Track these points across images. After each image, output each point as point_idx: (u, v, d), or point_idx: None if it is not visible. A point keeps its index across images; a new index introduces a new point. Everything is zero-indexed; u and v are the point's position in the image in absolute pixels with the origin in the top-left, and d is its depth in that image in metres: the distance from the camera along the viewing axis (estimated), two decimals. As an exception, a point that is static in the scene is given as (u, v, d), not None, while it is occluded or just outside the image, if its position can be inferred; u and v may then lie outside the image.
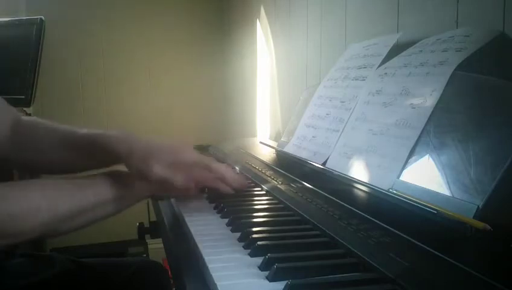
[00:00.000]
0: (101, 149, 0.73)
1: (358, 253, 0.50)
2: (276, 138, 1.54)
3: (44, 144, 0.79)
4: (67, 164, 0.80)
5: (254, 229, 0.62)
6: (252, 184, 0.89)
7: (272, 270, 0.47)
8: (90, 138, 0.76)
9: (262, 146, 1.32)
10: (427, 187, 0.60)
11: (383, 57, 0.86)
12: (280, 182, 0.84)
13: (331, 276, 0.47)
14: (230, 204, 0.74)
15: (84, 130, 0.78)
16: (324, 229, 0.59)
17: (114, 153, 0.72)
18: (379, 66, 0.85)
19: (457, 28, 0.76)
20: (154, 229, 0.95)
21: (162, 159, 0.71)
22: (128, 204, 0.72)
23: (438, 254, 0.45)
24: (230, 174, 0.80)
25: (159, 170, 0.69)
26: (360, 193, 0.72)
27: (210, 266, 0.50)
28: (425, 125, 0.65)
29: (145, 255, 2.21)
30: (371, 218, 0.58)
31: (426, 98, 0.67)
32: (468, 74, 0.64)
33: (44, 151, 0.79)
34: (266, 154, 1.18)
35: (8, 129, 0.79)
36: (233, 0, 2.34)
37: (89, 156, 0.77)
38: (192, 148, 0.80)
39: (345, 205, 0.65)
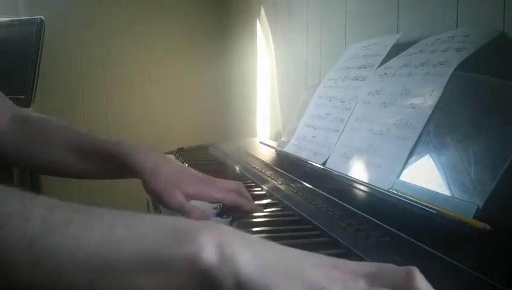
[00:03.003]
0: (122, 161, 0.69)
1: (358, 253, 0.50)
2: (276, 138, 1.54)
3: (58, 147, 0.74)
4: (80, 170, 0.75)
5: (254, 229, 0.62)
6: (252, 184, 0.89)
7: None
8: (112, 148, 0.70)
9: (262, 146, 1.32)
10: (427, 187, 0.60)
11: (383, 57, 0.86)
12: (280, 182, 0.84)
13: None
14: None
15: (103, 136, 0.73)
16: (324, 229, 0.59)
17: (135, 168, 0.67)
18: (379, 66, 0.85)
19: (457, 28, 0.76)
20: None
21: (188, 189, 0.67)
22: None
23: (438, 253, 0.45)
24: (256, 210, 0.72)
25: (180, 199, 0.65)
26: (360, 193, 0.72)
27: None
28: (425, 125, 0.65)
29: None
30: (371, 218, 0.58)
31: (426, 98, 0.67)
32: (468, 74, 0.64)
33: (57, 153, 0.74)
34: (266, 154, 1.18)
35: (7, 120, 0.75)
36: (233, 1, 2.34)
37: (107, 166, 0.72)
38: (223, 182, 0.72)
39: (345, 205, 0.65)
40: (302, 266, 0.33)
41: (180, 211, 0.66)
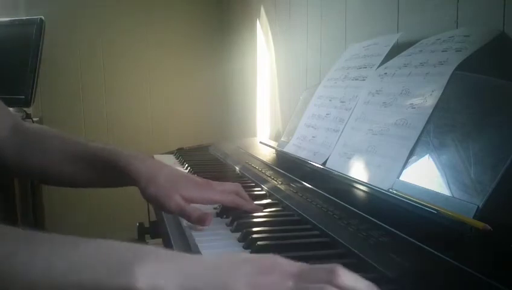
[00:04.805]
0: (119, 169, 0.70)
1: (358, 253, 0.50)
2: (276, 138, 1.54)
3: (55, 155, 0.75)
4: (77, 178, 0.76)
5: (254, 229, 0.62)
6: (252, 184, 0.89)
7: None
8: (108, 156, 0.72)
9: (262, 146, 1.32)
10: (427, 187, 0.60)
11: (383, 57, 0.86)
12: (280, 182, 0.84)
13: (331, 276, 0.47)
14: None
15: (99, 145, 0.75)
16: (324, 229, 0.59)
17: (132, 175, 0.68)
18: (379, 66, 0.85)
19: (457, 28, 0.76)
20: (154, 229, 0.95)
21: (186, 193, 0.67)
22: None
23: (438, 254, 0.45)
24: (256, 210, 0.72)
25: (180, 203, 0.66)
26: (360, 193, 0.72)
27: (210, 266, 0.50)
28: (425, 125, 0.65)
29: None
30: (371, 218, 0.58)
31: (426, 98, 0.67)
32: (468, 74, 0.64)
33: (55, 161, 0.75)
34: (266, 154, 1.18)
35: (8, 130, 0.77)
36: (234, 1, 2.34)
37: (103, 174, 0.74)
38: (220, 184, 0.73)
39: (345, 205, 0.65)
40: (231, 282, 0.37)
41: (181, 214, 0.67)
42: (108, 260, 0.37)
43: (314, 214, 0.65)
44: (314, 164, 0.88)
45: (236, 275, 0.37)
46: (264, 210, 0.72)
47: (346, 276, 0.37)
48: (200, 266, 0.39)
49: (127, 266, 0.37)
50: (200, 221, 0.65)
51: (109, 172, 0.72)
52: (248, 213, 0.70)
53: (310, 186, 0.78)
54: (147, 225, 0.98)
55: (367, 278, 0.46)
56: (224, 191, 0.71)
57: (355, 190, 0.73)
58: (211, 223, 0.66)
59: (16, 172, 0.84)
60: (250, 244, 0.57)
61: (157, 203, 0.68)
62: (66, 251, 0.37)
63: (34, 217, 1.94)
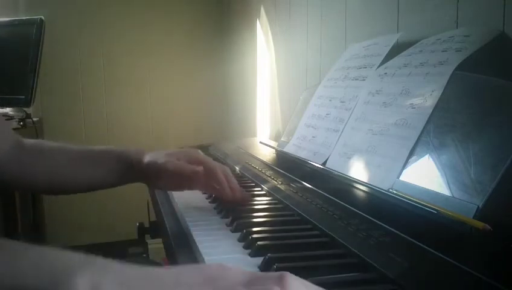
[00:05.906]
0: (120, 161, 0.76)
1: (358, 253, 0.50)
2: (276, 138, 1.54)
3: (54, 163, 0.78)
4: (78, 183, 0.80)
5: (254, 229, 0.62)
6: (252, 184, 0.89)
7: (272, 270, 0.47)
8: (110, 153, 0.78)
9: (262, 146, 1.32)
10: (427, 187, 0.60)
11: (383, 57, 0.86)
12: (280, 182, 0.84)
13: (331, 276, 0.47)
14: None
15: (100, 147, 0.81)
16: (324, 229, 0.59)
17: (132, 162, 0.76)
18: (379, 66, 0.85)
19: (457, 28, 0.76)
20: (154, 229, 0.95)
21: (178, 156, 0.76)
22: None
23: (438, 254, 0.45)
24: (235, 186, 0.78)
25: (174, 160, 0.75)
26: (360, 193, 0.72)
27: (210, 266, 0.50)
28: (425, 125, 0.65)
29: (145, 255, 2.21)
30: (371, 218, 0.58)
31: (426, 98, 0.67)
32: (468, 74, 0.64)
33: (55, 170, 0.78)
34: (266, 154, 1.18)
35: (9, 144, 0.78)
36: (233, 1, 2.34)
37: (106, 170, 0.78)
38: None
39: (345, 205, 0.65)
40: None
41: (177, 171, 0.74)
42: (50, 269, 0.37)
43: (314, 214, 0.65)
44: (314, 164, 0.88)
45: (180, 287, 0.36)
46: (264, 210, 0.72)
47: (295, 283, 0.36)
48: (142, 276, 0.38)
49: (67, 276, 0.36)
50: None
51: (113, 169, 0.77)
52: (235, 203, 0.74)
53: (310, 186, 0.78)
54: (147, 225, 0.98)
55: (367, 278, 0.46)
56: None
57: (355, 189, 0.73)
58: (210, 223, 0.66)
59: (17, 188, 0.86)
60: (250, 244, 0.57)
61: (154, 170, 0.75)
62: (8, 258, 0.37)
63: (34, 218, 1.94)
